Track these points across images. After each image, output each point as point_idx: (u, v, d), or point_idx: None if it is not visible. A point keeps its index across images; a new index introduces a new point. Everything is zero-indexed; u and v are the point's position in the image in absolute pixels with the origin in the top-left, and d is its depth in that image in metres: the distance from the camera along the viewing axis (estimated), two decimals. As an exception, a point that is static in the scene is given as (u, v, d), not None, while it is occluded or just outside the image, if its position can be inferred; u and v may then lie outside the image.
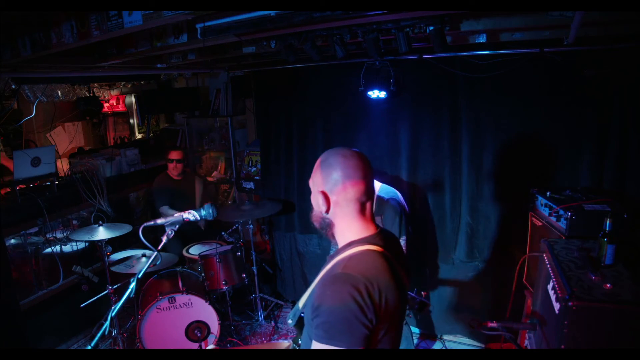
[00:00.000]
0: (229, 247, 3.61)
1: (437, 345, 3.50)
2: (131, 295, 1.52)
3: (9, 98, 3.80)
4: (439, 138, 3.24)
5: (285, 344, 1.80)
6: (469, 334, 3.43)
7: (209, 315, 3.21)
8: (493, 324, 1.98)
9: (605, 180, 2.72)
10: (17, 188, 3.44)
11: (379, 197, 2.76)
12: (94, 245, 3.76)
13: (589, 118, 2.72)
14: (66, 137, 5.17)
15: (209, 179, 5.10)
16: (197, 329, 3.16)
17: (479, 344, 3.40)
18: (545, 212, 2.52)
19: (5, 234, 3.21)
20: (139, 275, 1.55)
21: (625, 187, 2.63)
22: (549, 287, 1.85)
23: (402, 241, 2.70)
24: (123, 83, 5.29)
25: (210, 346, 2.10)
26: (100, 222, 3.21)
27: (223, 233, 3.76)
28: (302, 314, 1.32)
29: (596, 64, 2.54)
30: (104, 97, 5.71)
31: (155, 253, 1.59)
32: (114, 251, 3.45)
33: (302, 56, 2.81)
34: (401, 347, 1.29)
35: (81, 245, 3.93)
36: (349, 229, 1.27)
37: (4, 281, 2.87)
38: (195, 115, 5.17)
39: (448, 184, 3.27)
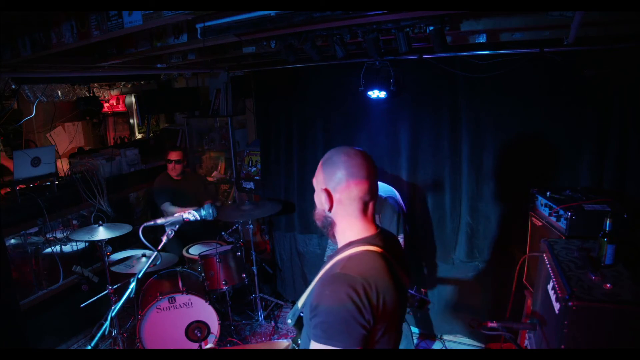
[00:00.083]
0: (229, 247, 3.61)
1: (437, 345, 3.50)
2: (131, 295, 1.52)
3: (9, 98, 3.80)
4: (439, 138, 3.24)
5: (285, 343, 1.80)
6: (469, 334, 3.43)
7: (209, 315, 3.21)
8: (493, 324, 1.98)
9: (605, 180, 2.72)
10: (17, 188, 3.44)
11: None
12: (94, 245, 3.77)
13: (589, 118, 2.72)
14: (66, 137, 5.17)
15: (209, 179, 5.10)
16: (197, 329, 3.16)
17: (479, 344, 3.40)
18: (545, 212, 2.52)
19: (5, 234, 3.21)
20: (139, 275, 1.55)
21: (625, 187, 2.63)
22: (549, 287, 1.85)
23: (400, 239, 2.71)
24: (123, 83, 5.29)
25: (209, 345, 2.10)
26: (100, 222, 3.21)
27: (223, 233, 3.76)
28: (302, 314, 1.32)
29: (596, 64, 2.54)
30: (104, 97, 5.71)
31: (155, 253, 1.59)
32: (114, 251, 3.45)
33: (302, 56, 2.81)
34: (401, 346, 1.29)
35: (81, 245, 3.93)
36: (349, 229, 1.27)
37: (4, 281, 2.87)
38: (195, 115, 5.17)
39: (448, 184, 3.27)
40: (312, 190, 1.34)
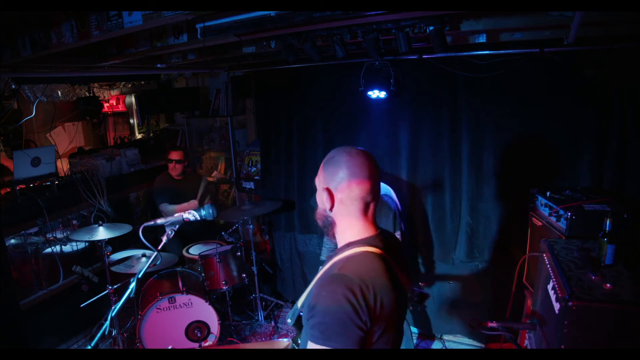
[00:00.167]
0: (229, 247, 3.61)
1: (437, 345, 3.50)
2: (131, 295, 1.52)
3: (9, 98, 3.80)
4: (439, 138, 3.24)
5: (284, 342, 1.80)
6: (468, 333, 3.44)
7: (209, 315, 3.21)
8: (493, 324, 1.98)
9: (605, 180, 2.72)
10: (17, 188, 3.44)
11: None
12: (94, 245, 3.76)
13: (589, 118, 2.72)
14: (66, 137, 5.17)
15: (209, 179, 5.10)
16: (197, 329, 3.16)
17: (479, 344, 3.40)
18: (545, 212, 2.52)
19: (5, 234, 3.21)
20: (139, 275, 1.55)
21: (625, 187, 2.63)
22: (549, 287, 1.84)
23: (397, 236, 2.72)
24: (123, 83, 5.29)
25: (208, 344, 2.10)
26: (100, 222, 3.21)
27: (223, 233, 3.76)
28: (301, 314, 1.32)
29: (596, 64, 2.54)
30: (104, 97, 5.71)
31: (155, 253, 1.59)
32: (114, 251, 3.45)
33: (302, 56, 2.81)
34: (401, 346, 1.29)
35: (81, 245, 3.93)
36: (350, 229, 1.27)
37: (4, 281, 2.87)
38: (195, 115, 5.17)
39: (448, 184, 3.27)
40: (312, 190, 1.34)
